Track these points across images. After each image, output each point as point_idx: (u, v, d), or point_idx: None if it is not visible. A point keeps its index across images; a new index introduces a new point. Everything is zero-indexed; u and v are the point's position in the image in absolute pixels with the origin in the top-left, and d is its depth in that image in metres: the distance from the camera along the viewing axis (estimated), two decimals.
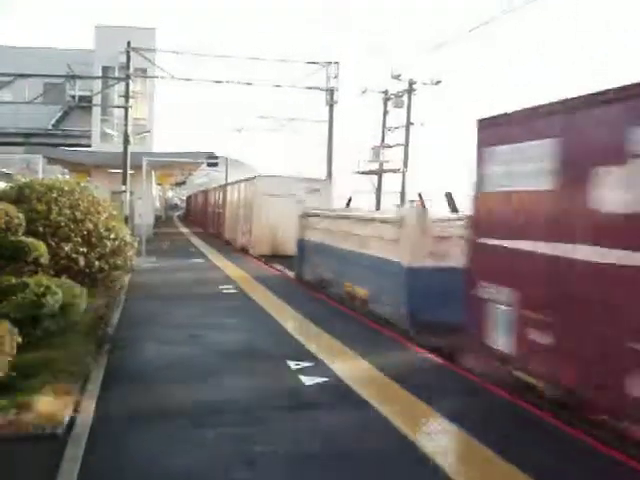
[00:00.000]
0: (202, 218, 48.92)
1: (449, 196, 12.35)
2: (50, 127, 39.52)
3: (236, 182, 31.36)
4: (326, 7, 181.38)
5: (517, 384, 7.22)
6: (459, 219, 10.29)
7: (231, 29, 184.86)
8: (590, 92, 6.43)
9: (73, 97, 36.80)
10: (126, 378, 7.85)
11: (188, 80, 27.38)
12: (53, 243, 9.56)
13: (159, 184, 52.21)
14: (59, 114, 39.62)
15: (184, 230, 46.07)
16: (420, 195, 12.85)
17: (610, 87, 6.14)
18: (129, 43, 26.43)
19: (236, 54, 31.44)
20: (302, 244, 17.58)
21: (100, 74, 34.21)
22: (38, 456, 5.40)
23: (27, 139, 38.31)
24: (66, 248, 9.79)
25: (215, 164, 30.66)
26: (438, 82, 32.74)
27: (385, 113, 34.53)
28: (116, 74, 32.35)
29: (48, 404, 6.25)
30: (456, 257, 9.54)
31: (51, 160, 36.11)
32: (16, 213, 8.72)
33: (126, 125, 26.21)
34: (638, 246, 5.61)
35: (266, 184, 24.65)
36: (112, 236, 10.53)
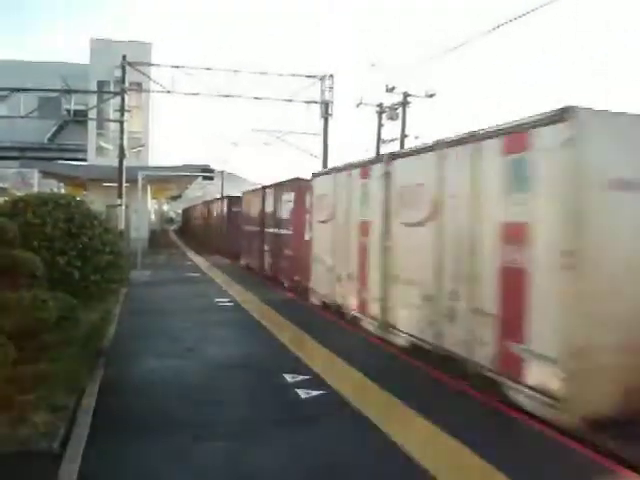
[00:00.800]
0: (206, 238, 42.42)
1: None
2: (45, 141, 39.51)
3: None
4: (322, 20, 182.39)
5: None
6: None
7: (228, 42, 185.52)
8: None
9: (68, 111, 36.91)
10: (121, 392, 7.81)
11: (182, 94, 27.39)
12: (48, 256, 9.50)
13: (155, 198, 52.16)
14: (54, 128, 39.63)
15: (180, 244, 46.01)
16: None
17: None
18: (124, 57, 26.47)
19: (232, 67, 31.46)
20: None
21: (95, 88, 34.28)
22: (34, 471, 5.35)
23: (22, 153, 38.26)
24: (61, 262, 9.73)
25: (211, 177, 30.71)
26: (432, 95, 32.84)
27: (380, 126, 34.59)
28: (111, 88, 32.39)
29: (43, 419, 6.20)
30: None
31: (46, 174, 36.05)
32: (11, 226, 8.67)
33: (121, 139, 26.21)
34: None
35: None
36: (107, 250, 10.47)
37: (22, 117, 27.54)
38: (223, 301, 15.85)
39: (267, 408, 7.21)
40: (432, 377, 8.53)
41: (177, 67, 26.51)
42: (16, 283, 8.20)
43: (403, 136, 33.46)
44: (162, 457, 5.71)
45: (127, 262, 11.35)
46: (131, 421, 6.68)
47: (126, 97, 26.57)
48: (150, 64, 29.50)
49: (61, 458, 5.54)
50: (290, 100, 28.62)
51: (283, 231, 19.70)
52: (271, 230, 21.22)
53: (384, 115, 34.14)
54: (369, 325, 11.72)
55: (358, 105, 33.94)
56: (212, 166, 30.54)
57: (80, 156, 37.92)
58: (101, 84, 34.62)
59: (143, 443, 6.04)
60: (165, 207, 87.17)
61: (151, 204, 47.09)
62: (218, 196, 49.90)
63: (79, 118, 35.49)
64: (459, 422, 6.57)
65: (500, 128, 7.90)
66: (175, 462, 5.58)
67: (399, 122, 33.62)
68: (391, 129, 34.48)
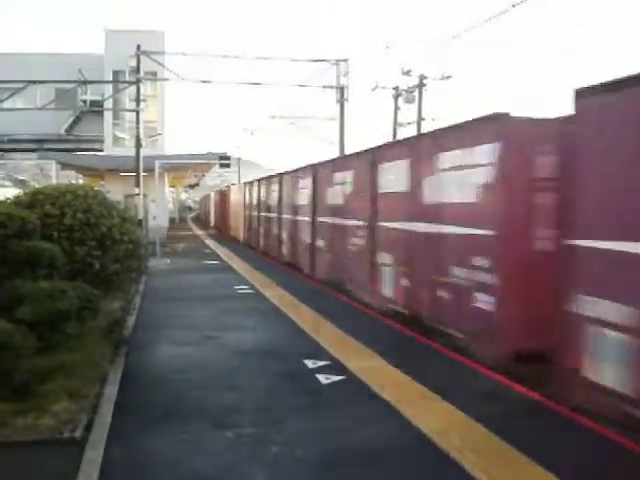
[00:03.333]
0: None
1: None
2: (63, 132, 39.69)
3: None
4: (336, 4, 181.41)
5: None
6: None
7: (241, 28, 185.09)
8: None
9: (84, 102, 37.06)
10: (143, 381, 7.84)
11: (197, 82, 27.38)
12: (67, 247, 9.56)
13: (172, 186, 52.34)
14: (71, 119, 39.77)
15: (198, 232, 46.16)
16: None
17: None
18: (139, 47, 26.47)
19: (246, 54, 31.48)
20: None
21: (111, 78, 34.32)
22: (57, 460, 5.39)
23: (40, 145, 38.48)
24: (80, 252, 9.78)
25: (228, 165, 30.69)
26: (448, 77, 32.56)
27: (396, 109, 34.37)
28: (126, 78, 32.44)
29: (66, 407, 6.24)
30: None
31: (64, 165, 36.28)
32: (31, 218, 8.73)
33: (138, 128, 26.25)
34: None
35: None
36: (126, 239, 10.50)
37: (39, 109, 27.69)
38: (243, 288, 15.87)
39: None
40: None
41: (190, 55, 26.53)
42: (36, 274, 8.27)
43: (420, 119, 33.24)
44: (183, 444, 5.72)
45: (146, 251, 11.39)
46: (152, 408, 6.69)
47: (141, 86, 26.59)
48: (164, 52, 29.50)
49: (84, 446, 5.56)
50: (305, 86, 28.50)
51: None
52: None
53: (400, 98, 33.92)
54: None
55: (374, 89, 33.77)
56: (228, 153, 30.47)
57: (97, 147, 38.07)
58: (116, 74, 34.67)
59: (164, 430, 6.05)
60: (183, 196, 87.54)
61: (169, 193, 47.28)
62: (235, 182, 49.90)
63: (95, 109, 35.60)
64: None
65: None
66: (193, 446, 5.60)
67: (416, 105, 33.42)
68: (408, 112, 34.27)
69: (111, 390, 7.23)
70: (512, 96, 69.73)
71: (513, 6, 14.69)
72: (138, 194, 25.30)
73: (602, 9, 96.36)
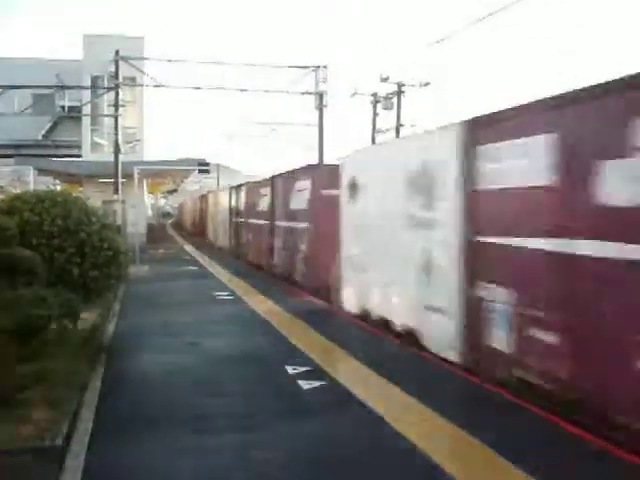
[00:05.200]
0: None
1: None
2: (40, 138, 39.35)
3: None
4: (316, 11, 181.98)
5: None
6: None
7: (222, 34, 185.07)
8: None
9: (63, 107, 36.73)
10: (123, 388, 7.82)
11: (177, 88, 27.29)
12: (47, 254, 9.50)
13: (151, 192, 52.05)
14: (49, 125, 39.45)
15: (177, 238, 45.97)
16: None
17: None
18: (117, 52, 26.34)
19: (226, 60, 31.42)
20: None
21: (89, 84, 34.04)
22: (38, 468, 5.36)
23: (17, 150, 38.09)
24: (60, 259, 9.74)
25: (207, 171, 30.63)
26: (427, 84, 32.77)
27: (375, 115, 34.52)
28: (105, 83, 32.21)
29: (46, 416, 6.21)
30: None
31: (42, 171, 35.94)
32: (9, 225, 8.68)
33: (116, 134, 26.11)
34: None
35: None
36: (106, 245, 10.46)
37: (16, 114, 27.46)
38: (222, 294, 15.87)
39: None
40: None
41: (170, 61, 26.42)
42: (16, 281, 8.22)
43: (399, 125, 33.43)
44: (165, 450, 5.72)
45: (126, 258, 11.34)
46: (133, 416, 6.69)
47: (120, 92, 26.47)
48: (143, 58, 29.38)
49: (64, 454, 5.55)
50: (284, 92, 28.54)
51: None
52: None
53: (379, 105, 34.08)
54: None
55: (353, 95, 33.84)
56: (208, 160, 30.43)
57: (75, 152, 37.75)
58: (95, 79, 34.40)
59: (145, 437, 6.06)
60: (162, 201, 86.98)
61: (148, 199, 47.01)
62: (214, 188, 49.79)
63: (73, 114, 35.34)
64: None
65: None
66: (176, 452, 5.61)
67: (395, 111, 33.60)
68: (388, 118, 34.42)
69: (91, 398, 7.21)
70: (504, 98, 70.35)
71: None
72: (117, 200, 25.17)
73: (602, 9, 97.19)
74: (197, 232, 47.44)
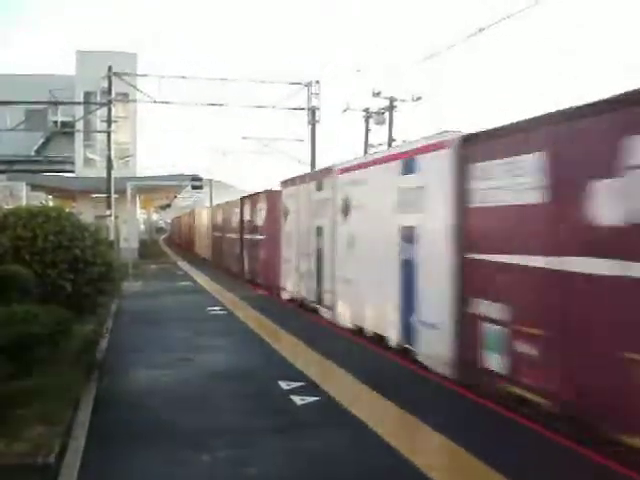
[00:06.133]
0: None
1: None
2: (33, 154, 39.31)
3: None
4: (309, 25, 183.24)
5: None
6: None
7: (215, 50, 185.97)
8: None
9: (55, 123, 36.75)
10: (116, 405, 7.78)
11: (170, 103, 27.38)
12: (40, 270, 9.48)
13: (144, 208, 52.07)
14: (41, 140, 39.43)
15: (170, 253, 45.91)
16: None
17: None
18: (110, 68, 26.43)
19: (219, 76, 31.42)
20: None
21: (82, 99, 34.11)
22: None
23: (10, 166, 38.04)
24: (53, 274, 9.71)
25: (200, 187, 30.70)
26: (418, 98, 32.95)
27: (367, 130, 34.67)
28: (98, 99, 32.27)
29: (39, 433, 6.17)
30: None
31: (34, 187, 35.91)
32: (1, 240, 8.67)
33: (109, 150, 26.16)
34: None
35: None
36: (99, 261, 10.45)
37: (9, 130, 27.47)
38: (215, 309, 15.85)
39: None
40: None
41: (163, 77, 26.53)
42: (8, 297, 8.19)
43: (391, 140, 33.56)
44: (158, 467, 5.70)
45: (118, 273, 11.34)
46: (127, 433, 6.65)
47: (113, 108, 26.53)
48: (136, 74, 29.50)
49: (57, 472, 5.51)
50: (276, 107, 28.67)
51: None
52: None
53: (371, 120, 34.24)
54: None
55: (345, 110, 34.01)
56: (201, 175, 30.52)
57: (68, 168, 37.75)
58: (87, 95, 34.45)
59: (139, 454, 6.02)
60: (154, 217, 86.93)
61: (140, 214, 47.03)
62: (207, 204, 49.97)
63: (66, 130, 35.36)
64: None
65: None
66: (173, 470, 5.58)
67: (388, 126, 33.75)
68: (380, 133, 34.57)
69: (84, 415, 7.17)
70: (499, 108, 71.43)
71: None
72: (109, 215, 25.16)
73: (602, 9, 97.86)
74: (187, 246, 47.80)
